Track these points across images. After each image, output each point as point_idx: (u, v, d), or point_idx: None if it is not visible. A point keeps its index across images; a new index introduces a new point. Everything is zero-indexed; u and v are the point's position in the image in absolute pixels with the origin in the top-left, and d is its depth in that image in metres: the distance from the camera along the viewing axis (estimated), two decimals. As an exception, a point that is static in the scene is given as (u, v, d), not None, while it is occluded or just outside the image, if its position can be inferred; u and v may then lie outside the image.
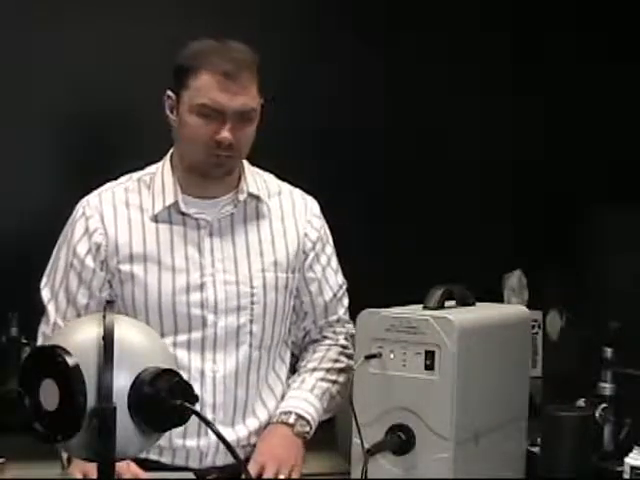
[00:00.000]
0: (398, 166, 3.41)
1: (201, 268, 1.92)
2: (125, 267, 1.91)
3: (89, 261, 1.93)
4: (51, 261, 2.03)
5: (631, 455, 1.73)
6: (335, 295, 2.08)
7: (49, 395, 1.23)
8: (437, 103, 3.42)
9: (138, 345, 1.31)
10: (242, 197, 1.97)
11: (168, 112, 1.92)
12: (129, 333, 1.31)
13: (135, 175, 2.00)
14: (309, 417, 1.95)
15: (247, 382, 1.95)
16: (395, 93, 3.39)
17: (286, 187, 2.06)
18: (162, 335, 1.86)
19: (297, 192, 2.07)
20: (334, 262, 2.10)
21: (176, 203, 1.92)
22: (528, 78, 3.49)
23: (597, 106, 3.40)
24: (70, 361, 1.22)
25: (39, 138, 3.04)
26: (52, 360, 1.23)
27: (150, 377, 1.26)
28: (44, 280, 2.01)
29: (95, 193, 2.00)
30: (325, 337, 2.08)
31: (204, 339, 1.91)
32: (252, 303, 1.94)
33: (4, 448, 2.40)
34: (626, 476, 1.72)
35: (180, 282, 1.90)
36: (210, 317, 1.91)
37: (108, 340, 1.22)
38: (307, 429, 1.94)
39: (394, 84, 3.39)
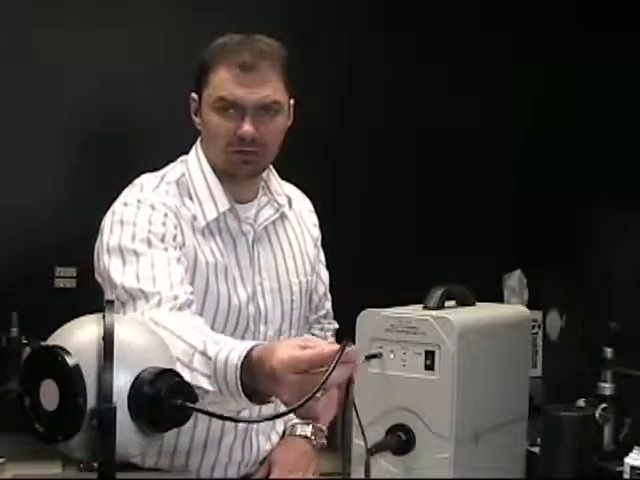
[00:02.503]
0: (398, 166, 3.41)
1: (253, 277, 1.87)
2: (200, 274, 1.80)
3: (170, 239, 1.75)
4: (114, 265, 1.72)
5: (631, 455, 1.73)
6: (325, 289, 2.08)
7: (49, 395, 1.22)
8: (437, 103, 3.42)
9: (138, 345, 1.30)
10: (282, 200, 1.92)
11: (193, 115, 1.85)
12: (129, 333, 1.30)
13: (167, 177, 1.86)
14: (324, 428, 1.97)
15: None
16: (395, 93, 3.39)
17: (284, 184, 2.02)
18: None
19: (296, 190, 2.06)
20: (323, 257, 2.10)
21: (231, 209, 1.84)
22: (528, 78, 3.49)
23: (597, 105, 3.40)
24: (70, 361, 1.21)
25: (41, 139, 3.04)
26: (52, 360, 1.23)
27: (150, 377, 1.25)
28: (119, 277, 1.70)
29: (146, 192, 1.81)
30: (313, 335, 2.08)
31: None
32: (292, 309, 1.93)
33: (4, 448, 2.41)
34: (626, 476, 1.72)
35: (242, 294, 1.84)
36: (262, 328, 1.87)
37: (108, 340, 1.22)
38: (323, 441, 1.96)
39: (394, 84, 3.40)
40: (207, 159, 1.87)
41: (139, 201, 1.79)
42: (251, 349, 1.41)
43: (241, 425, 1.88)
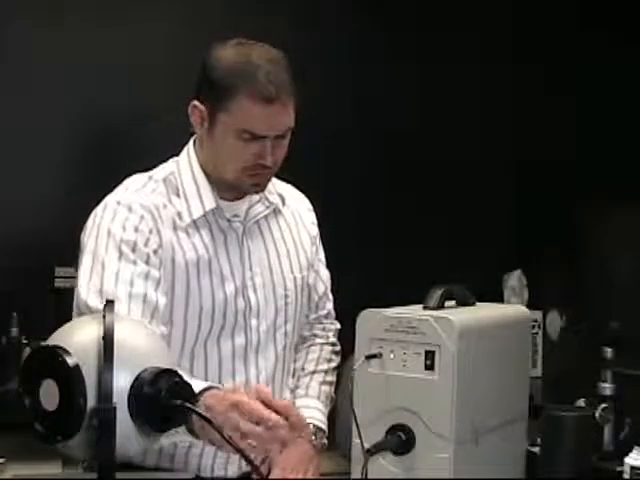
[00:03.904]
0: (398, 166, 3.41)
1: (243, 272, 1.88)
2: (180, 272, 1.82)
3: (141, 246, 1.79)
4: (84, 272, 1.77)
5: (631, 455, 1.73)
6: (326, 288, 2.09)
7: (49, 395, 1.23)
8: (437, 103, 3.42)
9: (138, 345, 1.31)
10: (273, 199, 1.94)
11: (196, 124, 1.84)
12: (129, 333, 1.31)
13: (155, 176, 1.89)
14: (324, 428, 1.97)
15: (281, 383, 1.96)
16: (395, 93, 3.39)
17: (281, 184, 2.03)
18: (205, 342, 1.84)
19: (292, 189, 2.06)
20: (323, 256, 2.10)
21: (218, 208, 1.86)
22: (528, 78, 3.49)
23: (597, 105, 3.40)
24: (70, 361, 1.22)
25: (41, 139, 3.04)
26: (52, 360, 1.23)
27: (150, 377, 1.26)
28: (84, 291, 1.75)
29: (128, 193, 1.84)
30: (315, 335, 2.08)
31: (247, 345, 1.88)
32: (286, 304, 1.94)
33: (4, 448, 2.41)
34: (626, 476, 1.72)
35: (230, 288, 1.85)
36: (253, 322, 1.89)
37: (108, 340, 1.22)
38: (324, 441, 1.96)
39: (395, 84, 3.40)
40: (200, 162, 1.89)
41: (118, 203, 1.82)
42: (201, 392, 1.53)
43: None
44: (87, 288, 1.74)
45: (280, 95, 1.78)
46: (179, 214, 1.84)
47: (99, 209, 1.84)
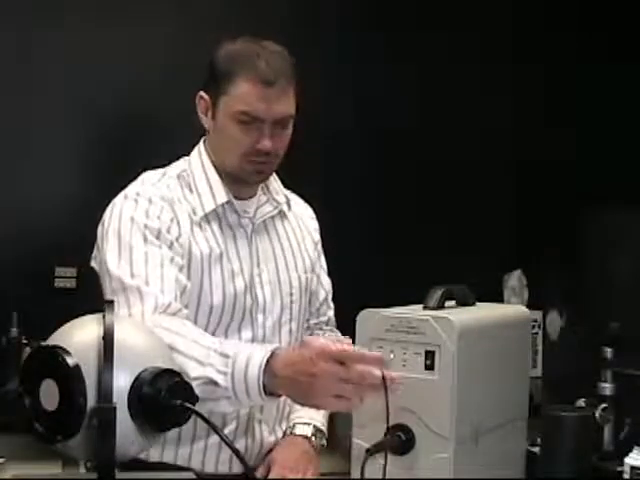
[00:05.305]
0: (398, 166, 3.41)
1: (251, 268, 1.91)
2: (195, 265, 1.85)
3: (165, 233, 1.82)
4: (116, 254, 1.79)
5: (631, 455, 1.73)
6: (327, 295, 2.10)
7: (49, 395, 1.23)
8: (437, 103, 3.43)
9: (138, 345, 1.31)
10: (280, 198, 1.98)
11: (201, 115, 1.89)
12: (129, 333, 1.31)
13: (169, 172, 1.93)
14: (324, 429, 1.97)
15: None
16: (396, 93, 3.39)
17: (286, 192, 2.06)
18: (212, 335, 1.82)
19: (296, 197, 2.09)
20: (325, 264, 2.12)
21: (228, 202, 1.89)
22: (528, 78, 3.49)
23: (597, 105, 3.40)
24: (70, 361, 1.22)
25: (41, 139, 3.04)
26: (52, 360, 1.23)
27: (150, 377, 1.26)
28: (115, 269, 1.77)
29: (146, 186, 1.87)
30: None
31: (254, 340, 1.89)
32: (291, 302, 1.96)
33: (4, 448, 2.41)
34: (626, 476, 1.72)
35: (239, 284, 1.88)
36: (260, 317, 1.91)
37: (108, 340, 1.22)
38: (323, 442, 1.96)
39: (395, 84, 3.40)
40: (211, 158, 1.92)
41: (138, 194, 1.85)
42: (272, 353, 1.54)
43: (242, 412, 1.88)
44: (119, 272, 1.77)
45: (279, 79, 1.81)
46: (193, 209, 1.88)
47: (118, 200, 1.86)
